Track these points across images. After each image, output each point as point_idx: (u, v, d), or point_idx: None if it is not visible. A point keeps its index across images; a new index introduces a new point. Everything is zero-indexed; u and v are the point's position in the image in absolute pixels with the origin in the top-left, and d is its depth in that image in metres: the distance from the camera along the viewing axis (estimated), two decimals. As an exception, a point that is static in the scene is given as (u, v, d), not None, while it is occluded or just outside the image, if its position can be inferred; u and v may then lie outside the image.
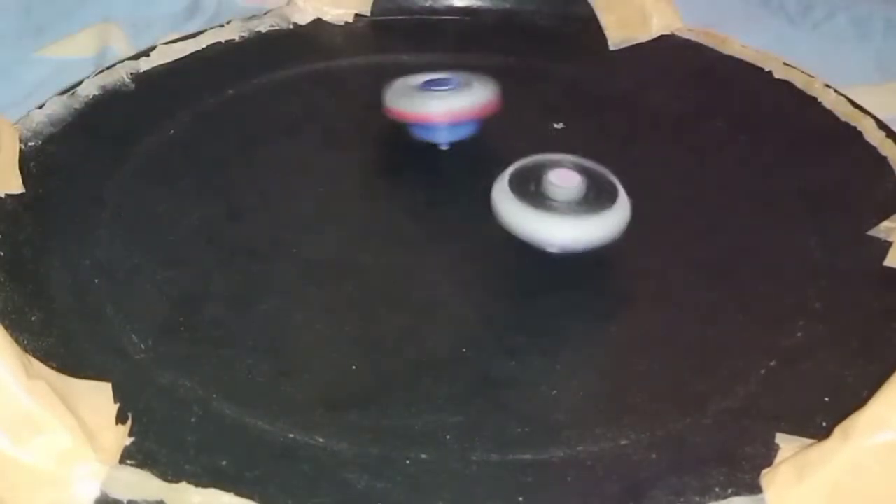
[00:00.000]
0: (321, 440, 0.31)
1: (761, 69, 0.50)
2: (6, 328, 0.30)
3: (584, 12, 0.54)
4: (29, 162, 0.42)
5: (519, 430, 0.32)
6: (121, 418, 0.31)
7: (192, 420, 0.32)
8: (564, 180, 0.37)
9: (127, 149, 0.44)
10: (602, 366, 0.36)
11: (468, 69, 0.44)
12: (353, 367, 0.35)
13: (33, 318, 0.35)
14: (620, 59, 0.53)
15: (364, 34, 0.55)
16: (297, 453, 0.31)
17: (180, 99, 0.48)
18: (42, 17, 0.58)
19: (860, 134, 0.45)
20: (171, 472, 0.29)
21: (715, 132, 0.47)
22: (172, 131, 0.46)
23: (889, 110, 0.47)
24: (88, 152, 0.44)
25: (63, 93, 0.46)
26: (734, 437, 0.32)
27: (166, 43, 0.51)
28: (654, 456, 0.31)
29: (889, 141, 0.44)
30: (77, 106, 0.46)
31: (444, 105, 0.42)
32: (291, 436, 0.31)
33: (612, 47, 0.53)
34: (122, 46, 0.55)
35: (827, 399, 0.33)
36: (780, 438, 0.31)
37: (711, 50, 0.52)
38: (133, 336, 0.35)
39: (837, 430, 0.28)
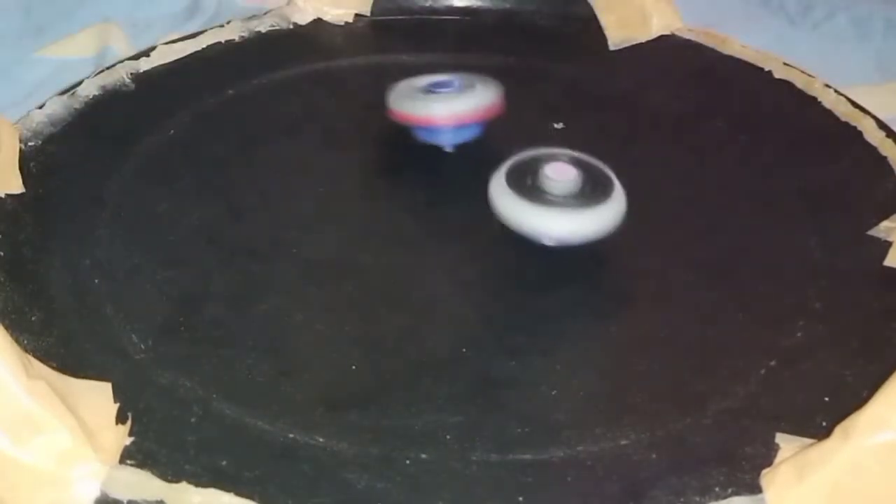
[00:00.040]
0: (321, 440, 0.31)
1: (761, 69, 0.50)
2: (6, 328, 0.30)
3: (584, 12, 0.54)
4: (29, 162, 0.42)
5: (519, 430, 0.32)
6: (121, 418, 0.31)
7: (192, 420, 0.32)
8: (560, 174, 0.37)
9: (127, 149, 0.44)
10: (602, 366, 0.36)
11: (468, 69, 0.44)
12: (353, 367, 0.35)
13: (33, 318, 0.35)
14: (620, 59, 0.53)
15: (364, 34, 0.55)
16: (297, 453, 0.31)
17: (180, 99, 0.48)
18: (42, 17, 0.58)
19: (860, 134, 0.45)
20: (171, 472, 0.29)
21: (715, 132, 0.47)
22: (172, 131, 0.46)
23: (889, 110, 0.47)
24: (88, 152, 0.44)
25: (63, 93, 0.46)
26: (734, 437, 0.32)
27: (166, 43, 0.51)
28: (654, 456, 0.31)
29: (889, 141, 0.44)
30: (77, 106, 0.46)
31: (448, 107, 0.42)
32: (291, 436, 0.31)
33: (612, 47, 0.53)
34: (122, 46, 0.55)
35: (827, 399, 0.33)
36: (780, 438, 0.31)
37: (711, 50, 0.52)
38: (133, 336, 0.35)
39: (837, 430, 0.28)
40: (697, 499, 0.29)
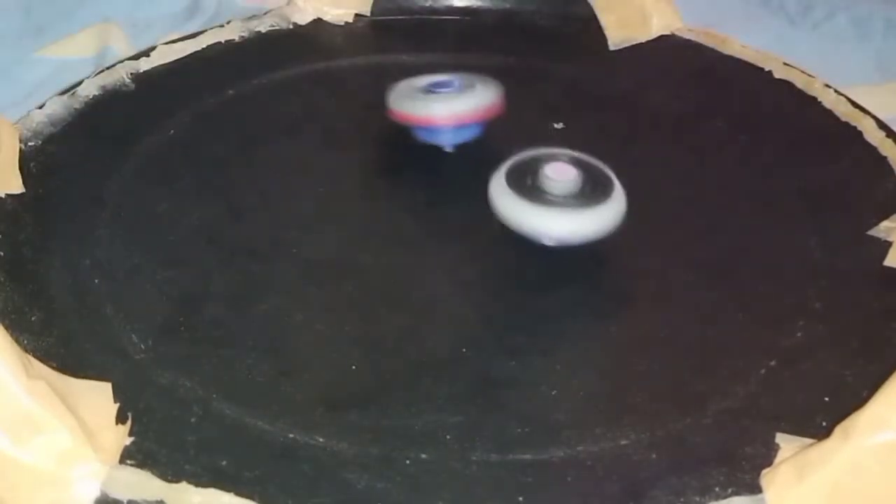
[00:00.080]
0: (321, 440, 0.31)
1: (761, 69, 0.50)
2: (6, 328, 0.30)
3: (584, 12, 0.54)
4: (29, 162, 0.42)
5: (519, 430, 0.32)
6: (121, 418, 0.31)
7: (192, 420, 0.32)
8: (560, 174, 0.38)
9: (127, 149, 0.44)
10: (602, 366, 0.36)
11: (468, 69, 0.44)
12: (353, 367, 0.35)
13: (33, 318, 0.35)
14: (620, 59, 0.53)
15: (364, 34, 0.55)
16: (297, 453, 0.31)
17: (180, 99, 0.48)
18: (42, 17, 0.58)
19: (860, 134, 0.45)
20: (171, 472, 0.29)
21: (715, 132, 0.47)
22: (172, 131, 0.46)
23: (889, 110, 0.47)
24: (88, 152, 0.44)
25: (63, 93, 0.46)
26: (734, 437, 0.32)
27: (166, 43, 0.51)
28: (654, 456, 0.31)
29: (889, 141, 0.44)
30: (77, 106, 0.46)
31: (448, 107, 0.42)
32: (291, 436, 0.31)
33: (612, 47, 0.53)
34: (122, 46, 0.55)
35: (827, 399, 0.33)
36: (780, 438, 0.31)
37: (711, 50, 0.52)
38: (133, 336, 0.35)
39: (837, 430, 0.28)
40: (697, 499, 0.29)
